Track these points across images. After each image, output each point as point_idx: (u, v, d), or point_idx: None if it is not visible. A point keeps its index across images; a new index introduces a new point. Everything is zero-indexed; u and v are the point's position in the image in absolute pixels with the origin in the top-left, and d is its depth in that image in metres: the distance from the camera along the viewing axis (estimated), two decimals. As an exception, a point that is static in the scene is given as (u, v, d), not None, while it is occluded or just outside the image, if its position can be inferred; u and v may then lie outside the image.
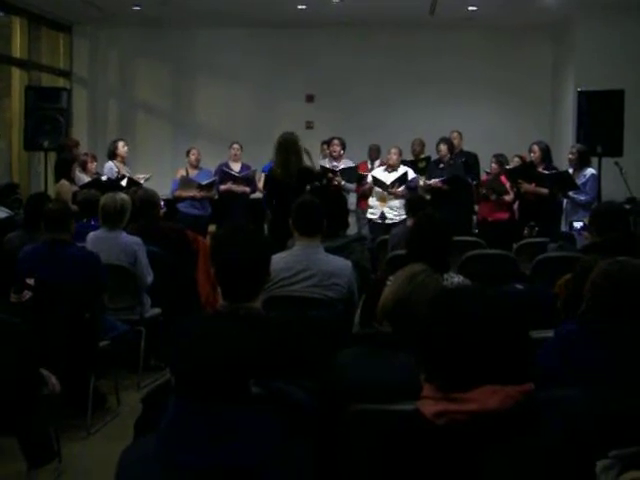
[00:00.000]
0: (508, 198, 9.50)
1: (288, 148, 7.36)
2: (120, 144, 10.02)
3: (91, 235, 6.30)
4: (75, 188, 8.71)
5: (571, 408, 1.93)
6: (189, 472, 1.99)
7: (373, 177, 10.01)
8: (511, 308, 1.92)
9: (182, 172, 10.49)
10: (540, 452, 1.81)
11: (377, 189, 9.91)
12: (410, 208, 7.55)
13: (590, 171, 8.57)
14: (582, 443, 1.89)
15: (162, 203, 8.32)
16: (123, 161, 10.01)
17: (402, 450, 1.88)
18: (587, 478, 1.91)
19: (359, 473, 1.98)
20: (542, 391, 1.92)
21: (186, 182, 10.25)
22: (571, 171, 8.66)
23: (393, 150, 10.00)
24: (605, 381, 2.78)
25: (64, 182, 8.77)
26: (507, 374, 1.84)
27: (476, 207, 10.07)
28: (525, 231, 8.50)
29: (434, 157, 10.32)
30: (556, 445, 1.83)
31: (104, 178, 9.29)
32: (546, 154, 9.08)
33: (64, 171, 8.91)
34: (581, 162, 8.61)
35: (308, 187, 7.22)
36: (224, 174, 10.49)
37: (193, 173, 10.45)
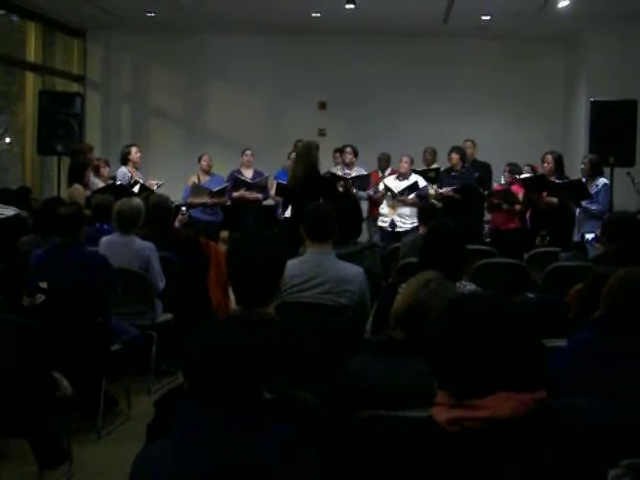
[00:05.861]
0: (519, 207, 9.49)
1: (298, 156, 7.40)
2: (133, 149, 9.93)
3: (104, 239, 6.31)
4: (88, 193, 8.72)
5: (584, 416, 1.93)
6: (202, 476, 2.01)
7: (385, 185, 10.03)
8: (523, 315, 1.92)
9: (194, 179, 10.46)
10: (552, 460, 1.81)
11: (388, 195, 9.94)
12: (422, 216, 7.54)
13: (602, 181, 8.55)
14: (594, 451, 1.89)
15: (184, 209, 8.37)
16: (136, 167, 9.94)
17: (415, 457, 1.88)
18: (599, 487, 1.91)
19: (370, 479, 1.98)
20: (555, 399, 1.92)
21: (197, 189, 10.25)
22: (584, 181, 8.66)
23: (404, 159, 10.03)
24: (620, 388, 2.78)
25: (77, 186, 8.77)
26: (520, 381, 1.84)
27: (488, 216, 10.05)
28: (537, 240, 8.48)
29: (446, 166, 10.31)
30: (568, 453, 1.82)
31: (118, 183, 9.31)
32: (559, 164, 9.08)
33: (77, 175, 8.93)
34: (593, 172, 8.59)
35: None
36: (236, 181, 10.50)
37: (205, 179, 10.43)
